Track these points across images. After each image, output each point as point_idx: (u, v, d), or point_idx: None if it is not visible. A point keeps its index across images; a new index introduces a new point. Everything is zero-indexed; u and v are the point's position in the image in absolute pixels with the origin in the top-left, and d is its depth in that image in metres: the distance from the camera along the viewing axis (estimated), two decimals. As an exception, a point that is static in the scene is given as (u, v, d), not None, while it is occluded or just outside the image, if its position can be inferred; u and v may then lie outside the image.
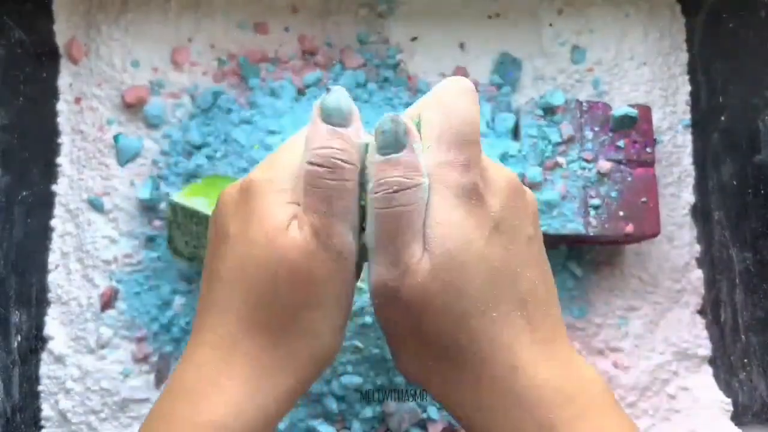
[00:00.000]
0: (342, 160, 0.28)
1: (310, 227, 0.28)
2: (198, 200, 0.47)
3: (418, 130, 0.30)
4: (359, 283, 0.48)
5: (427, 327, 0.28)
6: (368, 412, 0.51)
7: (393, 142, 0.28)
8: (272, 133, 0.54)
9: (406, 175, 0.28)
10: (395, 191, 0.28)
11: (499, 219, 0.29)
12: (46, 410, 0.52)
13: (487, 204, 0.29)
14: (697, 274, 0.57)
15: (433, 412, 0.51)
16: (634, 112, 0.53)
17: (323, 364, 0.31)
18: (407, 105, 0.55)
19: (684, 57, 0.59)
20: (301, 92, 0.56)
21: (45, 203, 0.54)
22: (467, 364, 0.28)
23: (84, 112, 0.55)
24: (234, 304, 0.29)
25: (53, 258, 0.54)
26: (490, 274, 0.28)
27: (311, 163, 0.29)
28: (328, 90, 0.30)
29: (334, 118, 0.29)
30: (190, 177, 0.53)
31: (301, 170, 0.29)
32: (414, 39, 0.57)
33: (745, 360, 0.52)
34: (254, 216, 0.29)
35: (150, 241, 0.54)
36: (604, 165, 0.53)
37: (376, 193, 0.28)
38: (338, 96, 0.29)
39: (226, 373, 0.29)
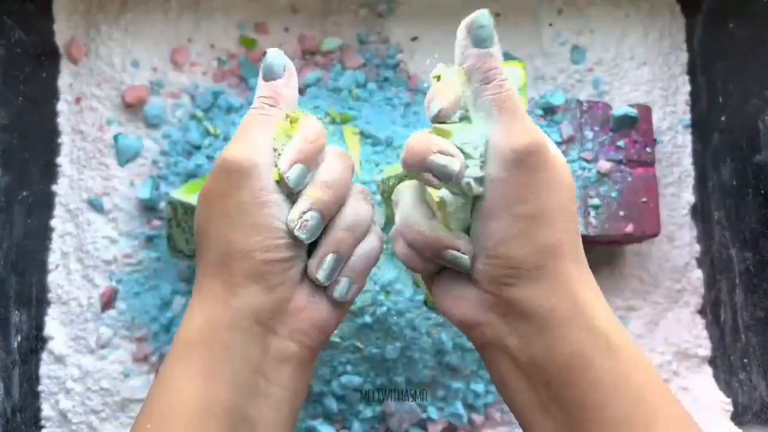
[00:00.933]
0: (266, 104, 0.35)
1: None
2: (198, 197, 0.46)
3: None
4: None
5: (561, 177, 0.32)
6: (368, 412, 0.51)
7: (491, 36, 0.33)
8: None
9: (500, 65, 0.33)
10: (504, 79, 0.33)
11: None
12: (47, 410, 0.52)
13: None
14: (697, 274, 0.57)
15: (433, 412, 0.51)
16: (634, 112, 0.53)
17: (249, 265, 0.32)
18: (407, 105, 0.55)
19: (684, 57, 0.59)
20: (300, 92, 0.56)
21: (45, 203, 0.54)
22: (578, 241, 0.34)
23: (84, 112, 0.55)
24: None
25: (53, 258, 0.54)
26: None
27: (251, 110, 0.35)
28: (264, 54, 0.36)
29: (268, 76, 0.35)
30: (190, 177, 0.53)
31: None
32: (414, 39, 0.57)
33: (745, 360, 0.52)
34: None
35: (150, 241, 0.54)
36: (604, 165, 0.53)
37: (488, 82, 0.32)
38: (269, 58, 0.35)
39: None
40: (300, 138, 0.34)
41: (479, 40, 0.33)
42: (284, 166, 0.33)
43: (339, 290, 0.34)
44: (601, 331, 0.31)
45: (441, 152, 0.32)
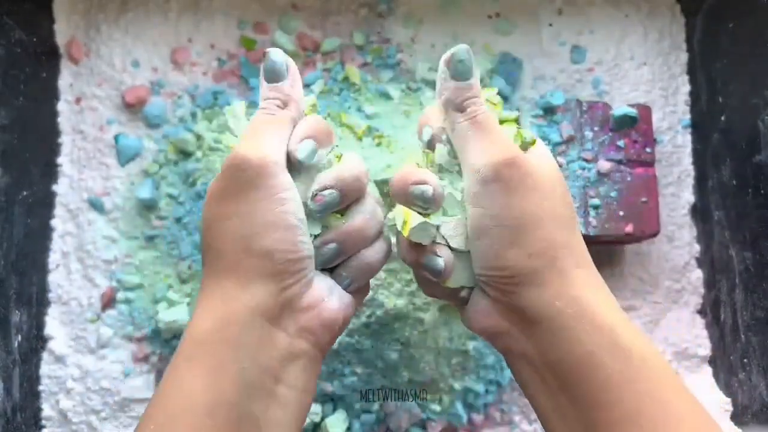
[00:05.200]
0: (275, 105, 0.35)
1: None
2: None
3: None
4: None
5: (545, 184, 0.34)
6: (368, 412, 0.51)
7: (469, 70, 0.35)
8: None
9: (477, 94, 0.35)
10: (480, 104, 0.35)
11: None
12: (47, 410, 0.52)
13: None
14: (697, 274, 0.57)
15: (432, 412, 0.51)
16: (634, 112, 0.53)
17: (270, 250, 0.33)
18: (407, 105, 0.55)
19: (684, 57, 0.59)
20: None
21: (45, 203, 0.54)
22: (579, 242, 0.35)
23: (84, 112, 0.55)
24: None
25: (53, 258, 0.54)
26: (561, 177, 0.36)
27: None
28: (264, 55, 0.36)
29: (271, 77, 0.36)
30: (189, 177, 0.53)
31: None
32: (414, 39, 0.57)
33: (745, 360, 0.52)
34: None
35: (150, 241, 0.54)
36: (604, 165, 0.53)
37: (463, 109, 0.34)
38: (271, 58, 0.36)
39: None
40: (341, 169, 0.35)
41: (458, 74, 0.35)
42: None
43: (340, 283, 0.36)
44: (608, 331, 0.32)
45: (418, 183, 0.34)
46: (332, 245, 0.35)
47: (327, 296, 0.35)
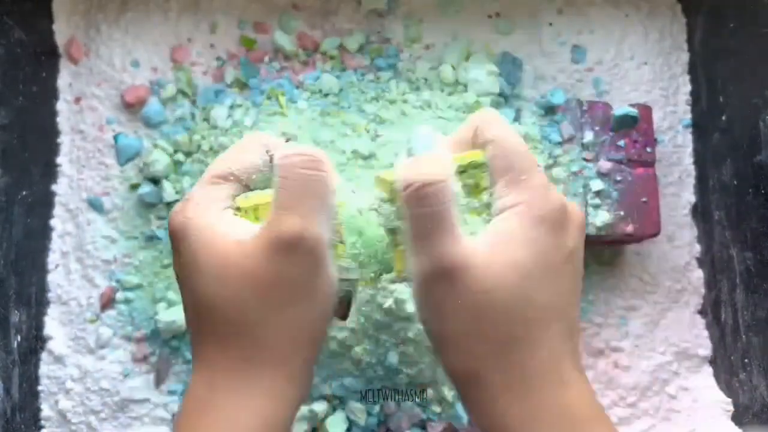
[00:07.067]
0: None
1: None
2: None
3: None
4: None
5: (489, 315, 0.30)
6: (368, 412, 0.51)
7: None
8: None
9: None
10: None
11: (574, 250, 0.32)
12: (46, 410, 0.52)
13: (569, 232, 0.32)
14: (698, 274, 0.57)
15: (432, 412, 0.51)
16: (634, 111, 0.53)
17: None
18: (406, 104, 0.55)
19: (684, 57, 0.59)
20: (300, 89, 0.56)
21: (45, 203, 0.54)
22: (521, 365, 0.30)
23: (84, 112, 0.55)
24: None
25: (53, 258, 0.54)
26: (558, 293, 0.31)
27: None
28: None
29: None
30: (185, 175, 0.53)
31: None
32: (414, 39, 0.57)
33: (746, 360, 0.52)
34: None
35: (150, 240, 0.54)
36: (605, 165, 0.53)
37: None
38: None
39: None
40: None
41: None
42: None
43: None
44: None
45: None
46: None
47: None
